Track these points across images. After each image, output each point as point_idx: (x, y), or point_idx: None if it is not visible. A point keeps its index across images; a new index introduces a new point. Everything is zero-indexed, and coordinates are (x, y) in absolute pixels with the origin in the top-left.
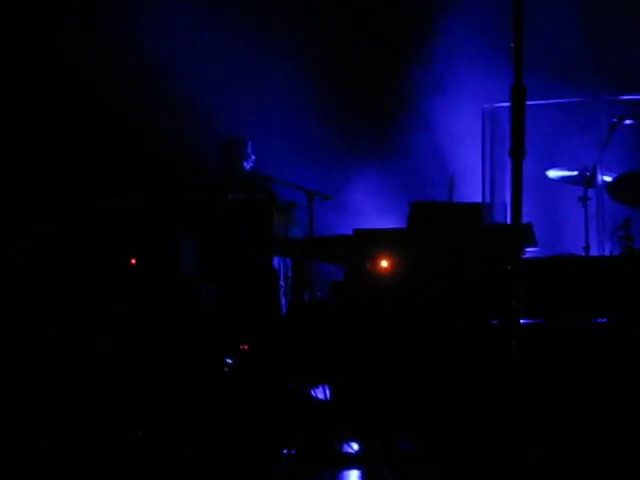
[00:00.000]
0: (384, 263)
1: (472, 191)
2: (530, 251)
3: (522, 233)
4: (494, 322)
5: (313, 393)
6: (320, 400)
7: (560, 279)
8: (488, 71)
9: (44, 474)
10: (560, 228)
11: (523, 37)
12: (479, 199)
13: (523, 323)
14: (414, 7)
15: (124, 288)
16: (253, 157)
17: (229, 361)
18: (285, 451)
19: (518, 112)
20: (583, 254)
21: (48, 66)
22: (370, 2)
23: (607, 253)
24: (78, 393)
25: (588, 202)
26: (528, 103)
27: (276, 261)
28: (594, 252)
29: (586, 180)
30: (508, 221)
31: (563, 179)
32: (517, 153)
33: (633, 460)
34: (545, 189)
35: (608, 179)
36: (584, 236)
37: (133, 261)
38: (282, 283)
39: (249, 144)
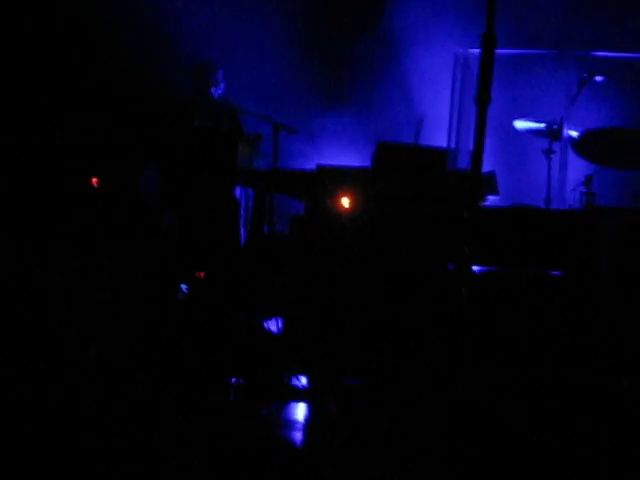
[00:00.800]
0: (346, 201)
1: (439, 136)
2: (491, 199)
3: (483, 181)
4: (450, 267)
5: (266, 325)
6: (272, 332)
7: (518, 229)
8: (463, 16)
9: None
10: (523, 179)
11: None
12: (445, 144)
13: (478, 270)
14: None
15: (85, 208)
16: (223, 85)
17: (184, 288)
18: (234, 380)
19: (487, 60)
20: (544, 206)
21: None
22: None
23: (567, 207)
24: (34, 318)
25: (552, 155)
26: (501, 52)
27: (238, 191)
28: (555, 205)
29: (552, 133)
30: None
31: (530, 131)
32: (482, 100)
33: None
34: (511, 139)
35: (574, 134)
36: (546, 189)
37: (95, 181)
38: (243, 213)
39: (220, 71)
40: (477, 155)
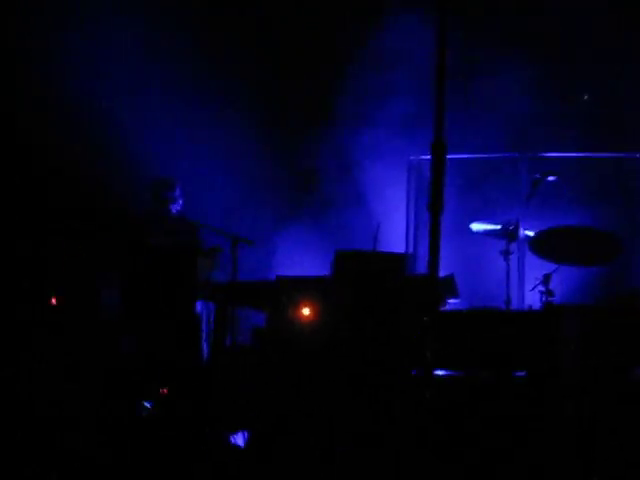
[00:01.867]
0: (306, 310)
1: (397, 241)
2: (452, 302)
3: (443, 285)
4: (414, 372)
5: (232, 439)
6: (238, 446)
7: (479, 332)
8: (414, 123)
9: None
10: (483, 281)
11: (444, 93)
12: (403, 249)
13: (442, 374)
14: (342, 57)
15: (44, 328)
16: (181, 201)
17: (147, 405)
18: None
19: (437, 167)
20: (504, 307)
21: None
22: (292, 56)
23: (527, 307)
24: None
25: (510, 256)
26: (454, 157)
27: (199, 306)
28: (515, 305)
29: (508, 234)
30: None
31: (486, 232)
32: (435, 207)
33: None
34: (469, 241)
35: (530, 234)
36: (505, 289)
37: (54, 301)
38: (204, 328)
39: (177, 187)
40: (433, 262)
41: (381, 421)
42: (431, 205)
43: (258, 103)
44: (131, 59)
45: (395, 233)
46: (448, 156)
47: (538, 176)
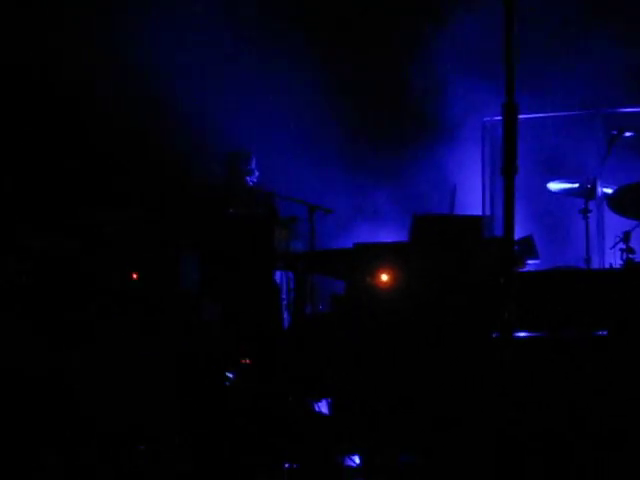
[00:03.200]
0: (384, 277)
1: (474, 204)
2: (532, 263)
3: (522, 246)
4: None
5: (316, 407)
6: (323, 414)
7: (560, 292)
8: (489, 83)
9: None
10: (562, 240)
11: (515, 52)
12: (480, 212)
13: (523, 336)
14: (416, 19)
15: (126, 303)
16: (257, 173)
17: (230, 375)
18: (287, 465)
19: (510, 129)
20: (584, 266)
21: (59, 80)
22: (371, 19)
23: (607, 266)
24: (82, 409)
25: (589, 214)
26: (530, 116)
27: (278, 275)
28: (595, 264)
29: (587, 192)
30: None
31: (564, 191)
32: (509, 170)
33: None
34: (547, 201)
35: (608, 191)
36: (585, 248)
37: (135, 276)
38: (284, 297)
39: (253, 159)
40: (508, 225)
41: (462, 385)
42: (505, 168)
43: (330, 71)
44: (210, 33)
45: (472, 196)
46: (523, 116)
47: (615, 132)
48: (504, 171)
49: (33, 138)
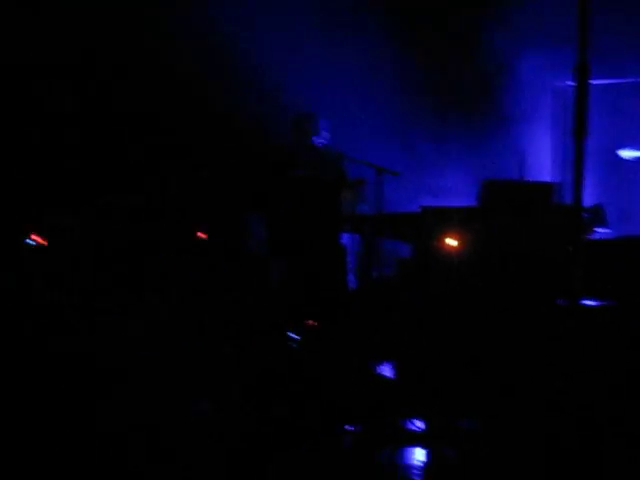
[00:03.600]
0: (452, 241)
1: (544, 170)
2: (601, 232)
3: (592, 214)
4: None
5: (379, 370)
6: (387, 377)
7: (629, 260)
8: (560, 47)
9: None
10: (633, 209)
11: (589, 16)
12: (549, 178)
13: (590, 304)
14: None
15: (194, 262)
16: (325, 134)
17: (295, 337)
18: (350, 427)
19: (581, 92)
20: None
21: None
22: None
23: None
24: (149, 371)
25: None
26: (603, 82)
27: (345, 238)
28: None
29: None
30: None
31: (636, 159)
32: (579, 133)
33: None
34: (618, 169)
35: None
36: None
37: (202, 235)
38: (350, 260)
39: (321, 120)
40: (577, 189)
41: (527, 351)
42: (575, 130)
43: (400, 37)
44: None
45: (542, 161)
46: (595, 81)
47: None
48: (575, 133)
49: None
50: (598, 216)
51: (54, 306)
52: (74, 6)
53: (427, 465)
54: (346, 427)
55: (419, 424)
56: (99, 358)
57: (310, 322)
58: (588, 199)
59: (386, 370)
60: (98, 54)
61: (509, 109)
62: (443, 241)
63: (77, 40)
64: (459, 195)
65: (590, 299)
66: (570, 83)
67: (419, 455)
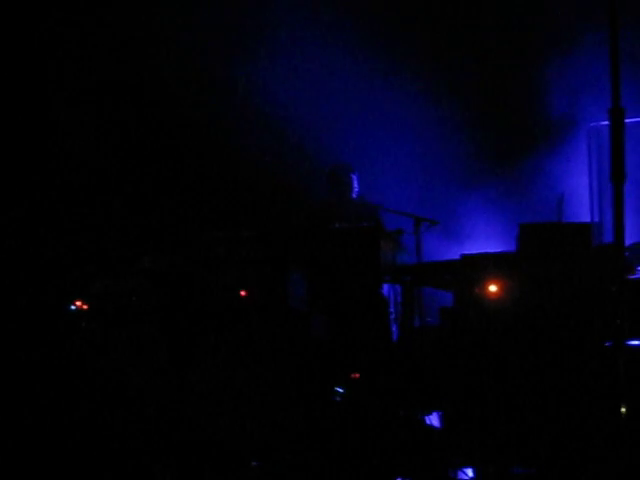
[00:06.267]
0: (493, 287)
1: (582, 211)
2: None
3: (634, 252)
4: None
5: (427, 420)
6: (434, 427)
7: None
8: (593, 88)
9: None
10: None
11: (620, 59)
12: (588, 219)
13: (636, 344)
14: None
15: (236, 321)
16: (357, 185)
17: (340, 390)
18: (401, 479)
19: (617, 135)
20: None
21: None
22: (475, 39)
23: None
24: (195, 429)
25: None
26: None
27: (385, 288)
28: None
29: None
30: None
31: None
32: (617, 178)
33: None
34: None
35: None
36: None
37: (243, 293)
38: (392, 310)
39: (355, 171)
40: (618, 233)
41: (576, 395)
42: (613, 175)
43: (433, 81)
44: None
45: (580, 203)
46: (633, 120)
47: None
48: (613, 178)
49: (142, 159)
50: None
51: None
52: None
53: None
54: (398, 479)
55: (470, 473)
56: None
57: (355, 375)
58: (629, 237)
59: (434, 420)
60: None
61: (546, 153)
62: (484, 288)
63: None
64: (499, 240)
65: (636, 339)
66: (605, 123)
67: None
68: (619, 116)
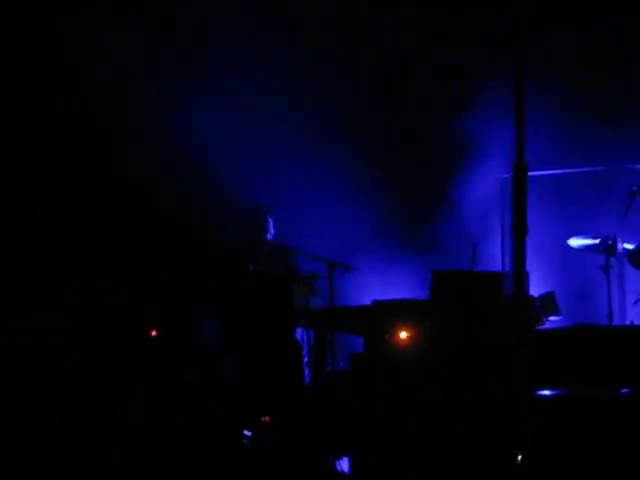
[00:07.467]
0: (403, 334)
1: (493, 261)
2: (553, 320)
3: (544, 302)
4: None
5: (338, 465)
6: (344, 472)
7: (582, 349)
8: (507, 141)
9: None
10: (583, 297)
11: (524, 117)
12: (499, 267)
13: (546, 394)
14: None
15: (146, 359)
16: (272, 228)
17: (249, 434)
18: None
19: (519, 189)
20: (606, 323)
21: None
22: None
23: (628, 322)
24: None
25: (610, 270)
26: (550, 172)
27: (299, 333)
28: (617, 321)
29: (607, 248)
30: (529, 290)
31: (585, 247)
32: (518, 230)
33: None
34: (568, 258)
35: (629, 247)
36: (607, 305)
37: (154, 332)
38: (305, 354)
39: (271, 214)
40: (518, 283)
41: (484, 441)
42: (515, 227)
43: (352, 132)
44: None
45: (492, 252)
46: (543, 172)
47: (635, 189)
48: (514, 230)
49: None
50: (549, 304)
51: None
52: None
53: None
54: None
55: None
56: None
57: (265, 418)
58: (539, 287)
59: (344, 464)
60: None
61: (459, 200)
62: (394, 335)
63: None
64: (414, 288)
65: (545, 388)
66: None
67: None
68: (522, 170)
